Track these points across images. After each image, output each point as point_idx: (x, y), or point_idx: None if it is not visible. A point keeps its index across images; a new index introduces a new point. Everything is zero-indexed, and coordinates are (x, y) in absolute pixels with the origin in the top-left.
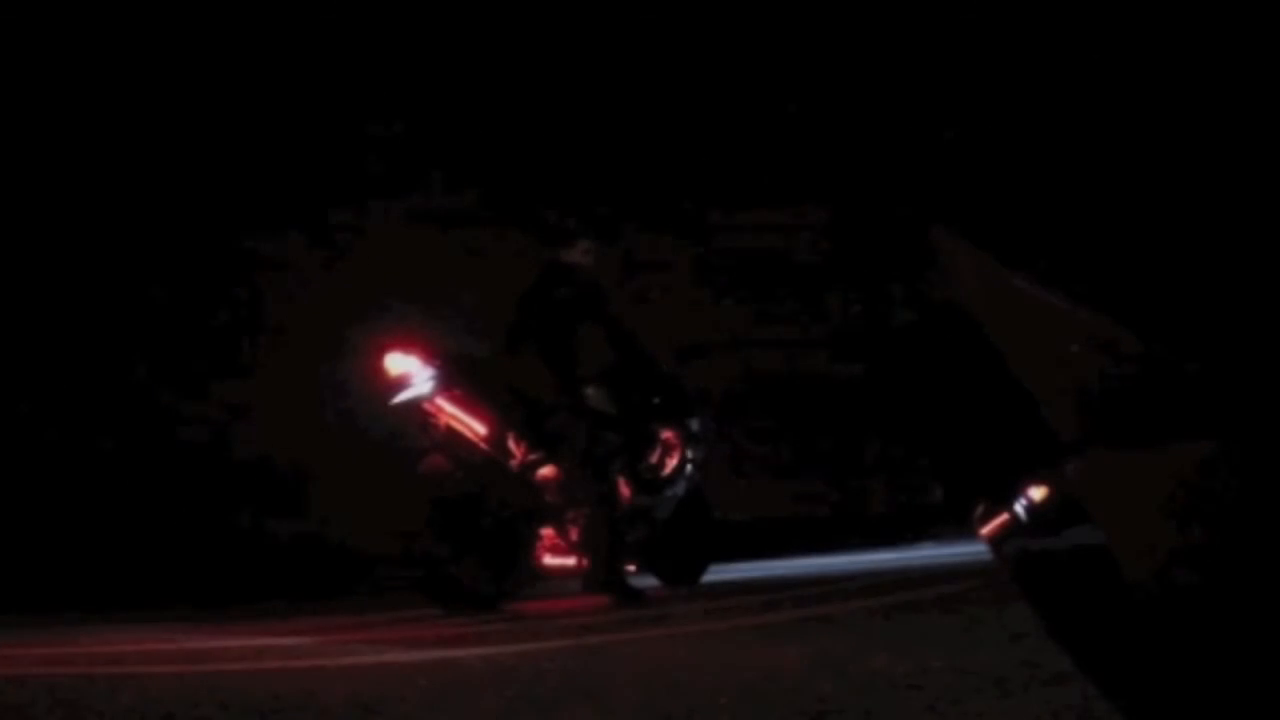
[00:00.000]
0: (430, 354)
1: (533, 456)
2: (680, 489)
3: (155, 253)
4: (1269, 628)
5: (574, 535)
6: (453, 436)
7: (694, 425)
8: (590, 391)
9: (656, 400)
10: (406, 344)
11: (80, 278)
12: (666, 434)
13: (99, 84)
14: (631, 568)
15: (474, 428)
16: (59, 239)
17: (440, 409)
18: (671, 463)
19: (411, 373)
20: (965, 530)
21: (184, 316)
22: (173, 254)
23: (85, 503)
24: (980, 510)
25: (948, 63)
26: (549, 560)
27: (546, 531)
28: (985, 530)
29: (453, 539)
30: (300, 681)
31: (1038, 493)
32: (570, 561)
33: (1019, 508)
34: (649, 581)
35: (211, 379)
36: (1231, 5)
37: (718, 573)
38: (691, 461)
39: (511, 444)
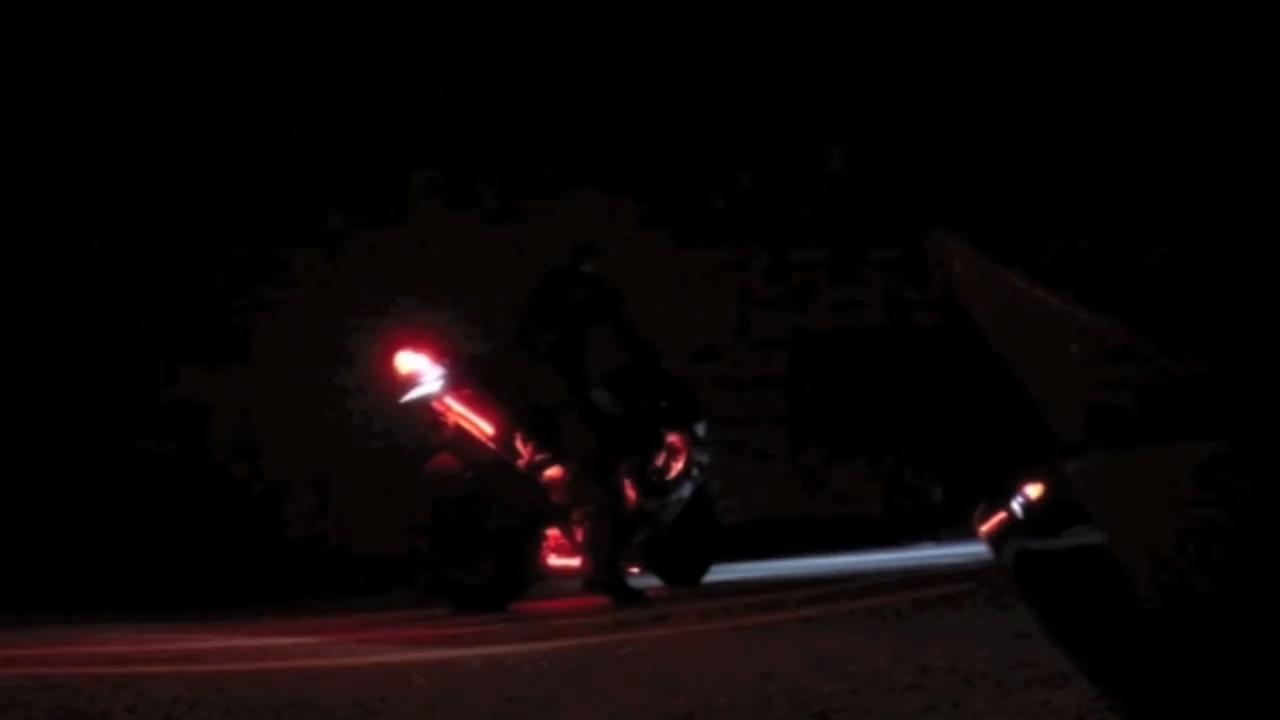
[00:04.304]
0: (440, 353)
1: (540, 457)
2: (686, 492)
3: (162, 252)
4: (1270, 628)
5: (579, 536)
6: (461, 436)
7: (700, 429)
8: (598, 394)
9: (664, 404)
10: (416, 343)
11: (86, 276)
12: (673, 437)
13: (109, 81)
14: (635, 570)
15: (482, 427)
16: (66, 237)
17: (449, 408)
18: (677, 466)
19: (421, 371)
20: (965, 530)
21: (187, 315)
22: (180, 253)
23: (85, 503)
24: (980, 510)
25: (948, 62)
26: (554, 561)
27: (552, 532)
28: (985, 530)
29: (460, 539)
30: (300, 681)
31: (1036, 492)
32: (575, 562)
33: (1018, 507)
34: (650, 581)
35: (215, 378)
36: (1231, 5)
37: (718, 573)
38: (697, 465)
39: (519, 444)
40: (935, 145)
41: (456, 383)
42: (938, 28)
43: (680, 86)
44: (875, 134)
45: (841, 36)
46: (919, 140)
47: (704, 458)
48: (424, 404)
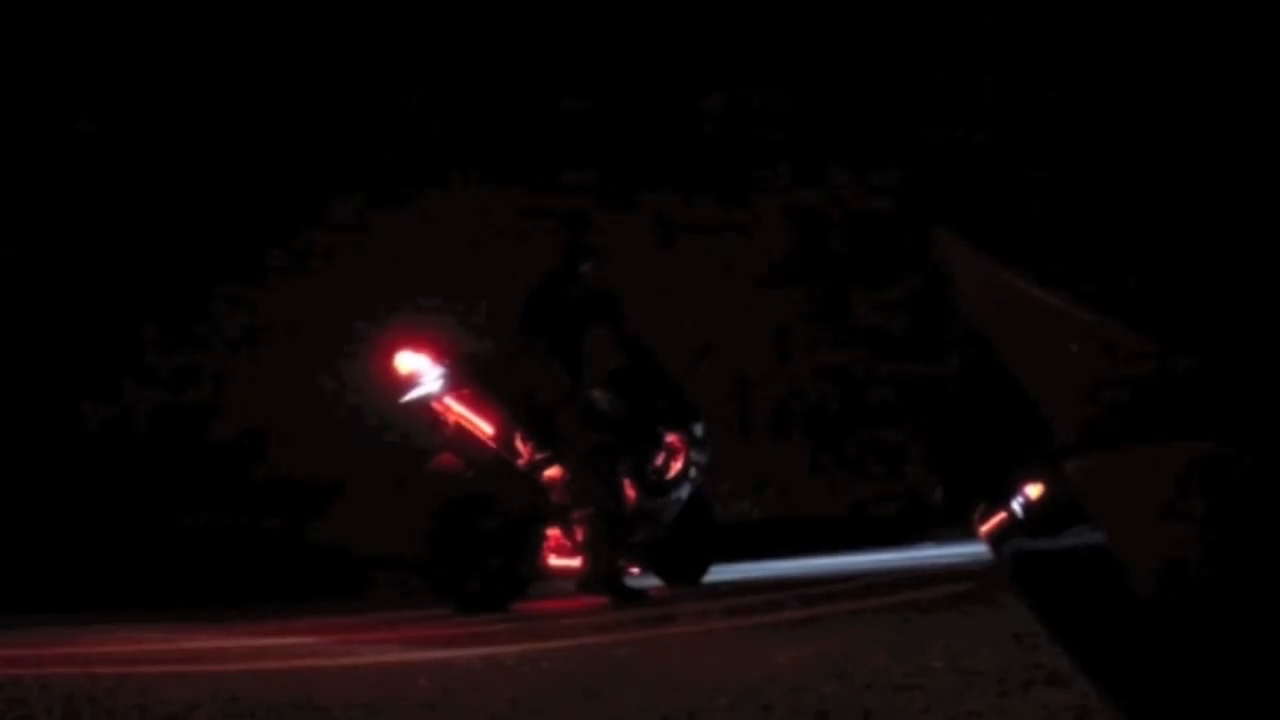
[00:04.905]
0: (440, 353)
1: (540, 457)
2: (684, 492)
3: (166, 251)
4: (1270, 628)
5: (579, 536)
6: (461, 435)
7: (698, 429)
8: (597, 394)
9: (661, 404)
10: (416, 343)
11: (89, 274)
12: (671, 437)
13: (114, 79)
14: (635, 570)
15: (482, 427)
16: (65, 233)
17: (449, 408)
18: (676, 466)
19: (421, 371)
20: (965, 530)
21: (190, 315)
22: (183, 252)
23: (86, 502)
24: (980, 510)
25: (953, 66)
26: (554, 561)
27: (552, 532)
28: (985, 530)
29: (460, 539)
30: (300, 681)
31: (1036, 492)
32: (575, 562)
33: (1018, 507)
34: (650, 581)
35: (215, 379)
36: (1231, 5)
37: (718, 573)
38: (695, 465)
39: (519, 444)
40: (938, 147)
41: (456, 383)
42: (946, 32)
43: (686, 84)
44: (879, 136)
45: (845, 38)
46: (922, 143)
47: (702, 458)
48: (424, 404)
